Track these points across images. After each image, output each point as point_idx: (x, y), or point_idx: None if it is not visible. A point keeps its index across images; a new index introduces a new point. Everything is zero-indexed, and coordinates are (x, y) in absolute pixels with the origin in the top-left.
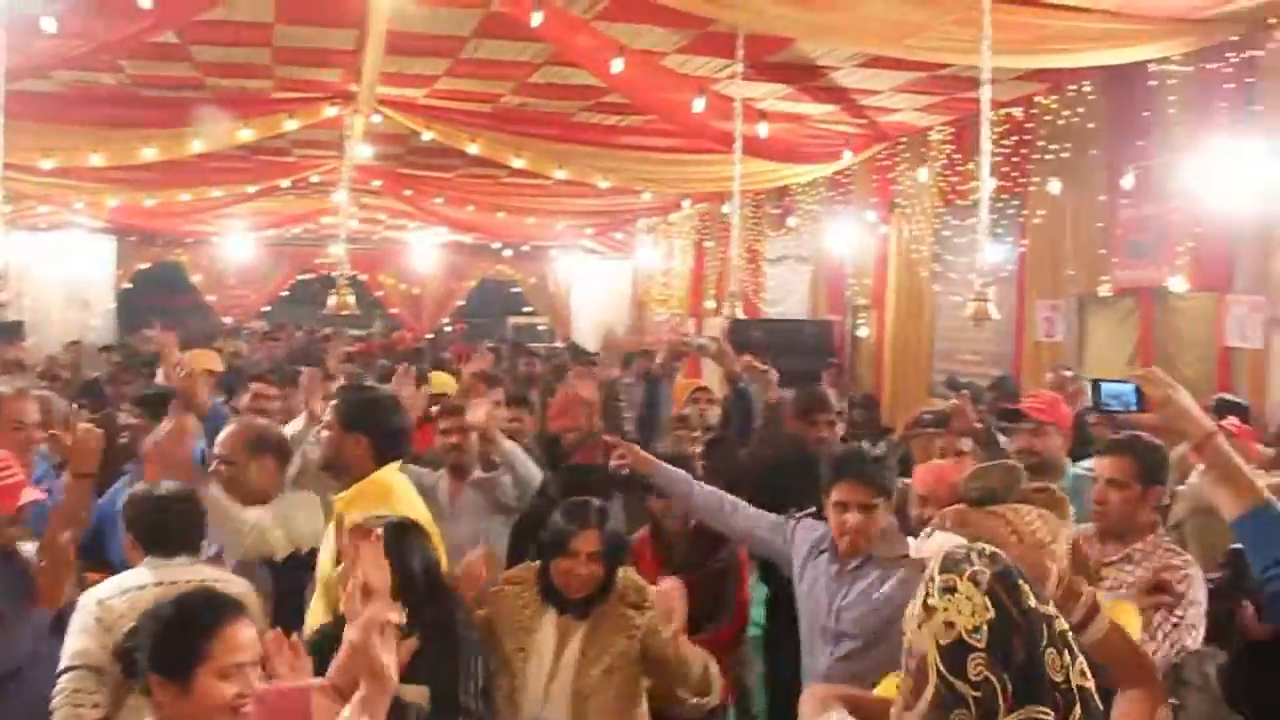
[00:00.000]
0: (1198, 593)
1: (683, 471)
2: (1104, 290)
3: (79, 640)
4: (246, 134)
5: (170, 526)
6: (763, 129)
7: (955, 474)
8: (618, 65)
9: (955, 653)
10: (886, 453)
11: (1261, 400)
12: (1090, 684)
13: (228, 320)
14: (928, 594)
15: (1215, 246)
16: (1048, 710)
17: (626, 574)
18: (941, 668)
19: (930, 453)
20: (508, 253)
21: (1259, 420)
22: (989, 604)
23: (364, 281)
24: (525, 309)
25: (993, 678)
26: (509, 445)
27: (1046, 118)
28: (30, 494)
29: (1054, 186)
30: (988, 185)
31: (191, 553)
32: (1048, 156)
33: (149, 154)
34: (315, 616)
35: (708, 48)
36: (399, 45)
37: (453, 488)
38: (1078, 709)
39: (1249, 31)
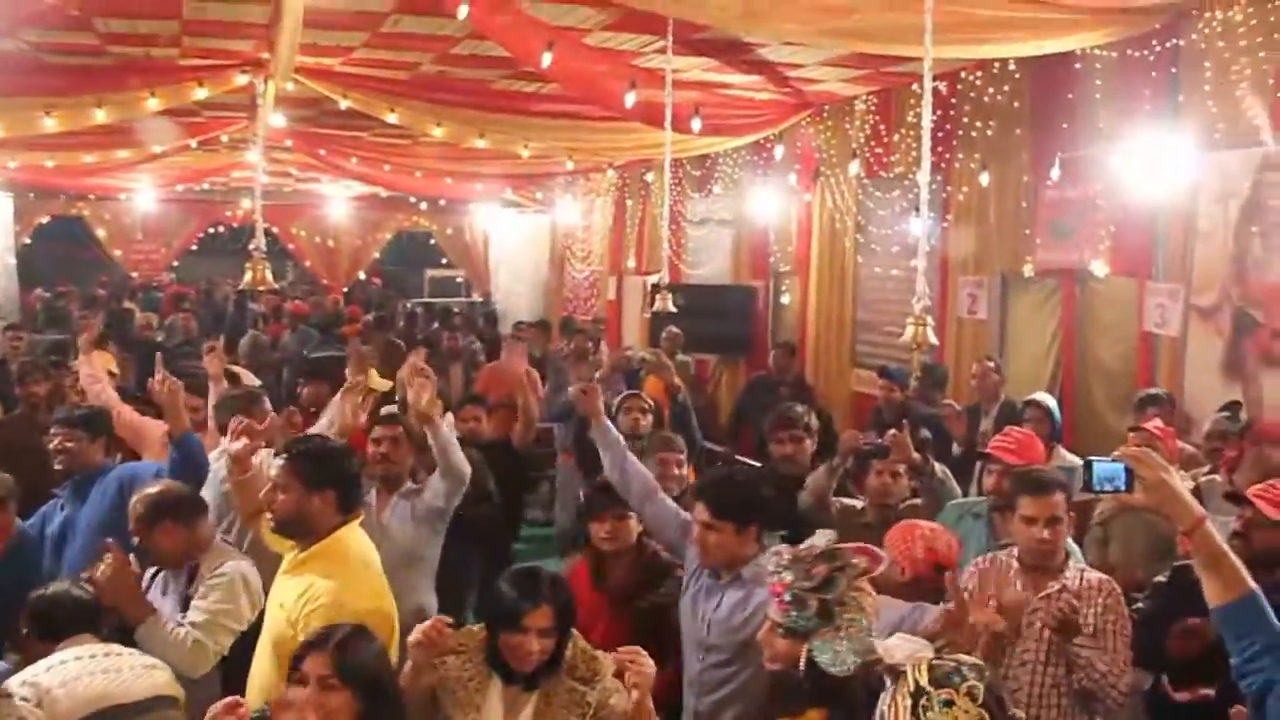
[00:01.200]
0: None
1: (622, 438)
2: (1027, 270)
3: None
4: (154, 103)
5: (66, 617)
6: (695, 124)
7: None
8: (547, 60)
9: None
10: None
11: (1179, 386)
12: None
13: (135, 275)
14: (922, 705)
15: (1137, 232)
16: None
17: (576, 643)
18: None
19: (868, 478)
20: (424, 205)
21: (1178, 409)
22: (985, 716)
23: (276, 234)
24: (443, 261)
25: None
26: (447, 432)
27: (972, 94)
28: None
29: (978, 164)
30: (926, 178)
31: (94, 632)
32: (973, 134)
33: (50, 124)
34: (261, 664)
35: (634, 25)
36: (316, 20)
37: (380, 500)
38: None
39: (1173, 20)
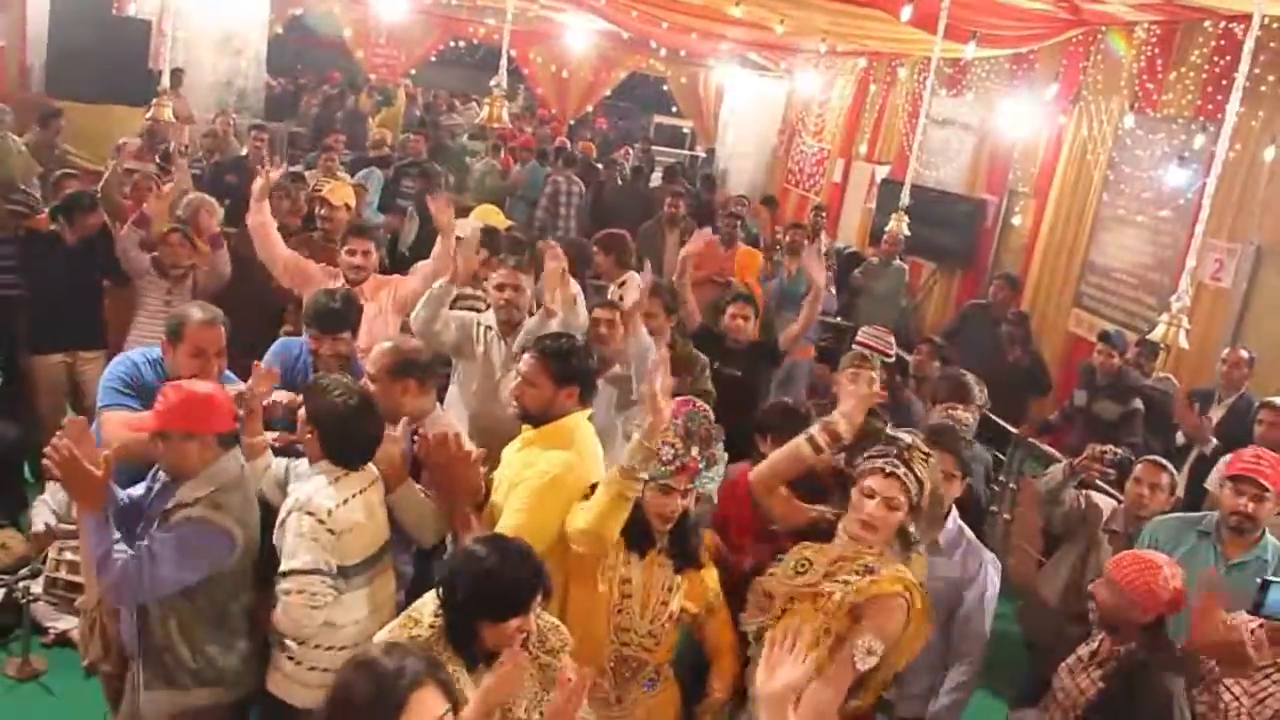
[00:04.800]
0: None
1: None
2: None
3: (310, 549)
4: None
5: (362, 441)
6: (970, 50)
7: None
8: None
9: None
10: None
11: None
12: None
13: (373, 78)
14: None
15: None
16: None
17: (542, 617)
18: None
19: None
20: (663, 50)
21: None
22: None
23: (512, 56)
24: (672, 109)
25: None
26: (648, 341)
27: (1272, 44)
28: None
29: (1260, 122)
30: (1226, 142)
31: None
32: (1262, 87)
33: None
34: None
35: None
36: None
37: None
38: None
39: None
